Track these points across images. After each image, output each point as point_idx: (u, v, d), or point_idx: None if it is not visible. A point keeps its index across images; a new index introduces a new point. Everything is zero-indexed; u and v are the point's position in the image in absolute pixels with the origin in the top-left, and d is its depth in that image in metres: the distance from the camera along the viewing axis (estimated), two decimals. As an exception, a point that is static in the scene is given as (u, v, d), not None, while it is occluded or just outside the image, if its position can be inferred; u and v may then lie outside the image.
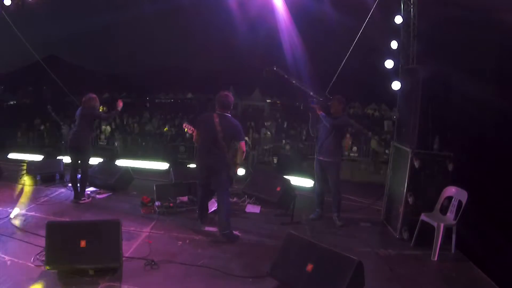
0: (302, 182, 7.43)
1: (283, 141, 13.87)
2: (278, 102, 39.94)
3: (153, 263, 3.95)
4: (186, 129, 5.55)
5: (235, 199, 6.30)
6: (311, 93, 5.66)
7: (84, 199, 5.90)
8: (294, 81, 6.08)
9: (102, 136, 14.48)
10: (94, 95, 5.93)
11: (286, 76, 5.96)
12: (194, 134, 5.00)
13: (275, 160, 11.83)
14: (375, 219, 5.96)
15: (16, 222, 4.85)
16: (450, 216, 4.71)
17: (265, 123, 18.23)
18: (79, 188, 5.88)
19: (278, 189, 6.25)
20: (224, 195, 4.83)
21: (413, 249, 4.84)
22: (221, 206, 4.83)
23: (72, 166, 5.93)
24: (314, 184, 5.94)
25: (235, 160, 4.82)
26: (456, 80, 5.03)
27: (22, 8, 7.37)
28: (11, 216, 5.03)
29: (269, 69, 6.09)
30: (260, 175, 6.90)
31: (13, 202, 5.61)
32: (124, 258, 3.83)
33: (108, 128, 15.44)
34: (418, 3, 5.77)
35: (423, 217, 4.79)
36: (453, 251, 4.68)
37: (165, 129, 17.07)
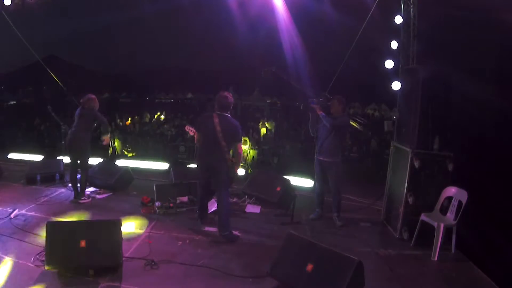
0: (302, 182, 7.43)
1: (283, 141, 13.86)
2: (278, 102, 39.92)
3: (153, 263, 3.95)
4: (188, 131, 5.54)
5: (235, 199, 6.30)
6: (310, 94, 5.67)
7: (84, 199, 5.90)
8: (292, 82, 6.10)
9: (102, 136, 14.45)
10: (93, 96, 5.93)
11: (284, 77, 5.97)
12: (195, 136, 5.00)
13: (275, 160, 11.82)
14: (375, 219, 5.95)
15: (16, 222, 4.85)
16: (450, 216, 4.71)
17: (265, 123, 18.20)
18: (79, 188, 5.88)
19: (278, 189, 6.25)
20: (224, 195, 4.83)
21: (413, 249, 4.84)
22: (221, 207, 4.83)
23: (72, 166, 5.93)
24: (314, 184, 5.94)
25: (235, 160, 4.83)
26: (456, 80, 5.03)
27: (22, 8, 7.37)
28: (11, 216, 5.03)
29: (267, 69, 6.11)
30: (260, 175, 6.90)
31: (13, 202, 5.61)
32: (124, 258, 3.84)
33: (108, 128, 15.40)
34: (418, 3, 5.77)
35: (423, 217, 4.79)
36: (453, 251, 4.68)
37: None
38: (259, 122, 16.58)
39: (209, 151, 4.75)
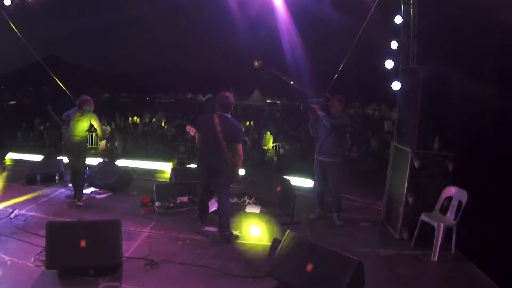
0: (302, 182, 7.43)
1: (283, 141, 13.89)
2: (278, 102, 39.95)
3: (153, 263, 3.95)
4: (189, 131, 5.54)
5: (235, 199, 6.30)
6: (309, 94, 5.67)
7: (81, 202, 5.78)
8: (292, 83, 6.11)
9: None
10: (88, 97, 5.83)
11: (284, 78, 5.98)
12: (196, 136, 5.00)
13: (275, 160, 11.84)
14: (375, 219, 5.95)
15: (16, 222, 4.85)
16: (450, 216, 4.71)
17: (266, 123, 18.23)
18: (77, 189, 5.80)
19: (278, 189, 6.25)
20: (224, 195, 4.83)
21: (413, 249, 4.83)
22: (221, 207, 4.83)
23: (71, 167, 5.89)
24: (314, 184, 5.94)
25: (235, 162, 4.81)
26: (456, 80, 5.03)
27: (22, 8, 7.37)
28: (11, 216, 5.03)
29: (268, 71, 6.12)
30: (260, 175, 6.91)
31: (13, 202, 5.60)
32: (124, 258, 3.83)
33: (108, 128, 15.46)
34: (418, 3, 5.76)
35: (423, 217, 4.79)
36: (453, 251, 4.68)
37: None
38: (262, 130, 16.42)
39: (210, 152, 4.74)
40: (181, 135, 14.25)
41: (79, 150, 5.78)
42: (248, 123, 16.64)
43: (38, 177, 6.85)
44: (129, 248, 4.28)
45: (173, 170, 7.21)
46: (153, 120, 19.19)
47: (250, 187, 6.59)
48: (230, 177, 4.82)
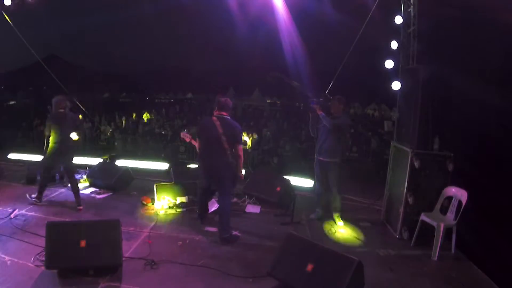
0: (302, 182, 7.43)
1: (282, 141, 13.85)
2: (278, 102, 39.93)
3: (153, 263, 3.96)
4: (184, 138, 5.48)
5: (235, 199, 6.30)
6: (311, 95, 5.68)
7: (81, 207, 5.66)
8: (294, 84, 6.12)
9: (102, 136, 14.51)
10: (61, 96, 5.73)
11: (286, 81, 6.00)
12: (193, 142, 4.99)
13: (275, 160, 11.83)
14: (375, 219, 5.96)
15: (16, 222, 4.85)
16: (450, 216, 4.71)
17: (267, 123, 18.17)
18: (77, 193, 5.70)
19: (278, 189, 6.26)
20: (226, 198, 4.82)
21: (413, 249, 4.84)
22: (222, 209, 4.82)
23: (67, 169, 5.85)
24: (314, 184, 5.95)
25: (236, 164, 4.80)
26: (456, 80, 5.03)
27: (22, 8, 7.37)
28: (11, 216, 5.03)
29: (272, 74, 6.14)
30: (260, 175, 6.91)
31: (13, 202, 5.60)
32: (124, 258, 3.84)
33: (109, 128, 15.45)
34: (418, 3, 5.77)
35: (423, 217, 4.79)
36: (453, 251, 4.69)
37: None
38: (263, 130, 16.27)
39: (213, 156, 4.72)
40: (179, 135, 14.22)
41: (73, 155, 5.71)
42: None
43: (38, 177, 6.83)
44: (129, 248, 4.28)
45: (173, 168, 7.22)
46: (151, 116, 19.10)
47: (250, 187, 6.59)
48: (233, 180, 4.81)
